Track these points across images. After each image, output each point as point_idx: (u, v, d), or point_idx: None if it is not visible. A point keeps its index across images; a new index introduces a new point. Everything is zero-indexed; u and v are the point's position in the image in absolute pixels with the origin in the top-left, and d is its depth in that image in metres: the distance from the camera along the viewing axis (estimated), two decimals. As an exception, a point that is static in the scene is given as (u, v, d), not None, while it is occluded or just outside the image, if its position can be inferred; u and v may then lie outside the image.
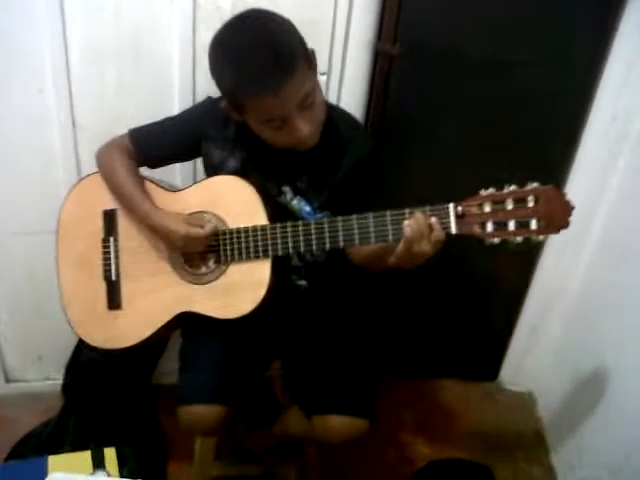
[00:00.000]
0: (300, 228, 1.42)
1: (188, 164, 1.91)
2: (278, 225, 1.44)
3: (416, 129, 2.01)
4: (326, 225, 1.39)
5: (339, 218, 1.38)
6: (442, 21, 1.84)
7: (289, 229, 1.43)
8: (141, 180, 1.59)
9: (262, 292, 1.46)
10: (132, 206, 1.56)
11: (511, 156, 2.03)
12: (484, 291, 2.37)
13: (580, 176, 2.07)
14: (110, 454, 1.97)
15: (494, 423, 2.44)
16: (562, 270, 2.25)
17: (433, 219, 1.26)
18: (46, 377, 2.36)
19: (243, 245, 1.47)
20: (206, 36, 1.36)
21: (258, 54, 1.27)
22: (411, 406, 2.46)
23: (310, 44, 1.39)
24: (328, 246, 1.40)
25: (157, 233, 1.55)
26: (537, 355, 2.47)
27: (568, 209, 1.25)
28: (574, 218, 1.99)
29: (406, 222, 1.27)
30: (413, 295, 2.34)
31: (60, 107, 1.83)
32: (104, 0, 1.71)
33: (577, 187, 2.05)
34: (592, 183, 2.05)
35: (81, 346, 2.10)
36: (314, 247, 1.42)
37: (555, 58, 1.89)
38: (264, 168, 1.56)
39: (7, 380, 2.33)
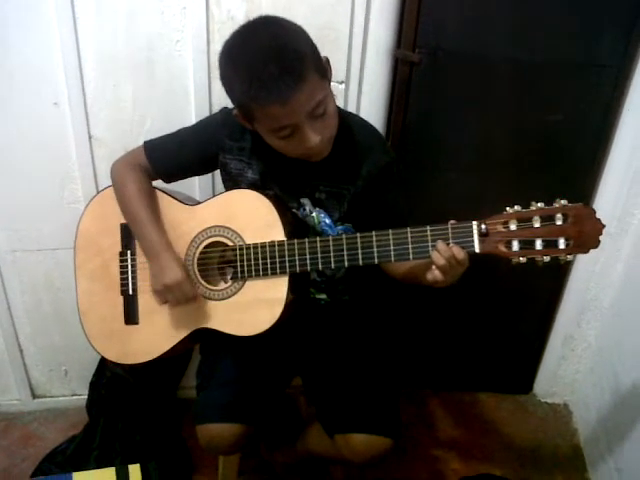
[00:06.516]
0: (318, 245, 1.37)
1: (206, 178, 1.89)
2: (296, 241, 1.40)
3: (439, 138, 1.96)
4: (344, 242, 1.35)
5: (357, 235, 1.34)
6: (463, 25, 1.78)
7: (307, 245, 1.38)
8: (153, 202, 1.55)
9: (279, 310, 1.42)
10: (137, 232, 1.53)
11: (539, 161, 1.98)
12: (516, 300, 2.30)
13: (613, 180, 2.00)
14: (135, 471, 1.98)
15: (528, 437, 2.36)
16: (597, 276, 2.19)
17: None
18: (72, 392, 2.37)
19: (260, 262, 1.43)
20: (220, 46, 1.34)
21: (266, 62, 1.22)
22: (443, 420, 2.41)
23: (326, 52, 1.35)
24: (347, 264, 1.35)
25: (154, 267, 1.51)
26: (572, 365, 2.42)
27: (598, 228, 1.19)
28: (609, 222, 1.96)
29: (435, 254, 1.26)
30: (444, 306, 2.28)
31: (76, 119, 1.82)
32: (117, 12, 1.70)
33: (610, 191, 2.01)
34: (626, 187, 1.99)
35: (105, 361, 2.10)
36: (332, 264, 1.37)
37: (583, 58, 1.82)
38: (282, 179, 1.53)
39: (34, 396, 2.34)
